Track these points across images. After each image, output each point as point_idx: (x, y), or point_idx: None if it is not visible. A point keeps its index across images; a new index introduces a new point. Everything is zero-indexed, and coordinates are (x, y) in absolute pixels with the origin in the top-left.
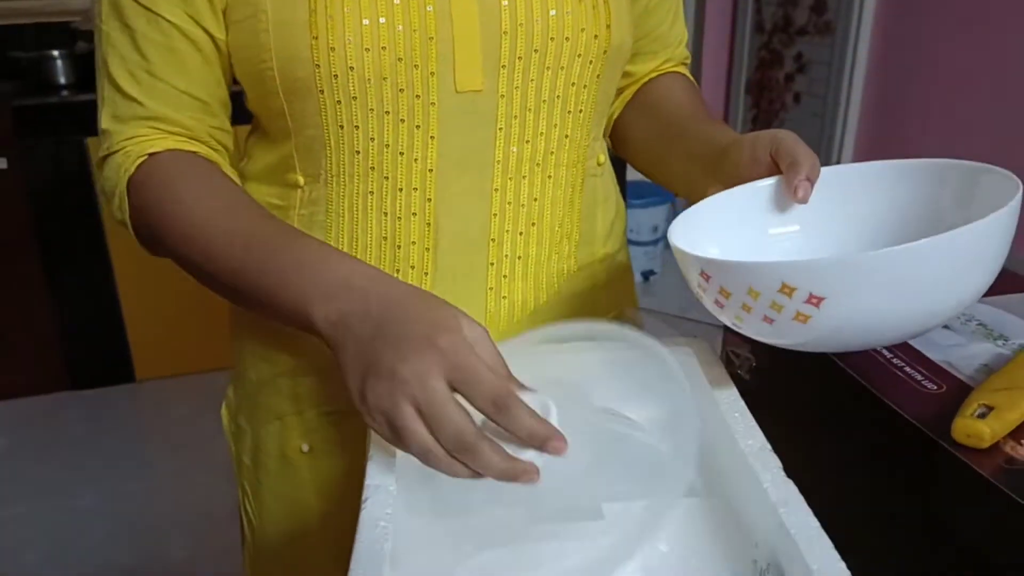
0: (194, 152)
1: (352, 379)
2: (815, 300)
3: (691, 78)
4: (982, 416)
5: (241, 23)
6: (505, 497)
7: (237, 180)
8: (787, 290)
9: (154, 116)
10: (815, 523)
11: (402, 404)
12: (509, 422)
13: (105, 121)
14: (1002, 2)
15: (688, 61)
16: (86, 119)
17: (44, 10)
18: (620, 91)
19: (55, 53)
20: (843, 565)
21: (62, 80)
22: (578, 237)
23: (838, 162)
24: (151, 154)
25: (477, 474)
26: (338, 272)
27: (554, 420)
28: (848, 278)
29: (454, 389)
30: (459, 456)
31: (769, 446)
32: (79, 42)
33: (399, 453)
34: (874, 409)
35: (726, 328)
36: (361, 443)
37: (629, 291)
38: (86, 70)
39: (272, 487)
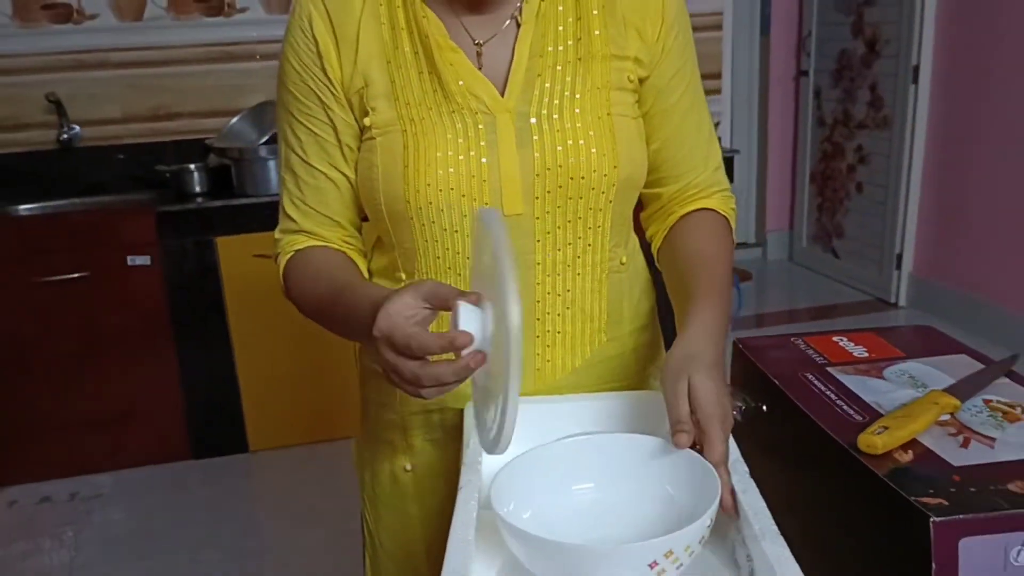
0: (324, 246)
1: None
2: None
3: (721, 212)
4: (879, 433)
5: (363, 173)
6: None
7: (358, 261)
8: None
9: (303, 230)
10: (762, 504)
11: (379, 355)
12: (418, 349)
13: (277, 233)
14: None
15: (722, 188)
16: (217, 222)
17: (182, 129)
18: (655, 212)
19: (192, 166)
20: (776, 528)
21: (197, 189)
22: (606, 317)
23: (902, 250)
24: (297, 250)
25: (428, 393)
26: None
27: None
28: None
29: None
30: (406, 380)
31: (741, 457)
32: (211, 156)
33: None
34: (815, 433)
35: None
36: (452, 465)
37: (656, 355)
38: (217, 180)
39: (384, 499)
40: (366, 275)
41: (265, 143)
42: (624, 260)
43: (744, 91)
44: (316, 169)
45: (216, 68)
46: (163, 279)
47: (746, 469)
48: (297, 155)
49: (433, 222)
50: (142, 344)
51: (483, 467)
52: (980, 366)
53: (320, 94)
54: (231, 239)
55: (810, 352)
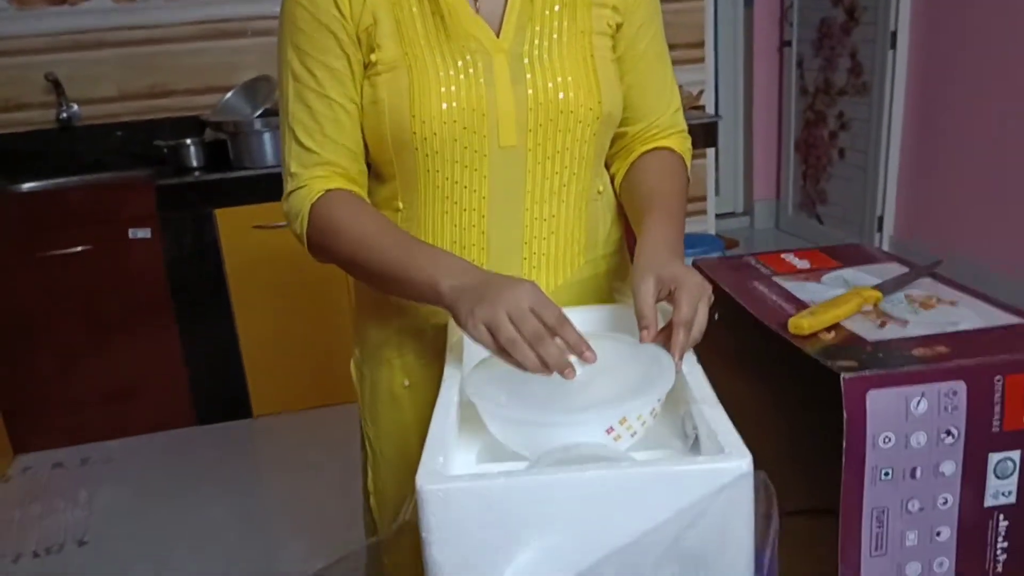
0: (353, 191)
1: (464, 313)
2: None
3: (678, 151)
4: (804, 315)
5: (369, 107)
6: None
7: (366, 196)
8: None
9: (327, 161)
10: (706, 381)
11: (500, 313)
12: (565, 333)
13: (293, 167)
14: (1017, 61)
15: (680, 129)
16: (215, 195)
17: (177, 106)
18: (619, 150)
19: (188, 141)
20: (715, 397)
21: (194, 163)
22: (584, 241)
23: (883, 213)
24: (328, 190)
25: (540, 364)
26: (457, 262)
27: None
28: None
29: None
30: (534, 345)
31: (691, 349)
32: (207, 131)
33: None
34: (756, 327)
35: None
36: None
37: (624, 277)
38: (214, 154)
39: (384, 414)
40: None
41: (260, 116)
42: (601, 189)
43: (730, 61)
44: (334, 101)
45: (209, 45)
46: (164, 251)
47: (695, 357)
48: (313, 90)
49: (437, 152)
50: (145, 314)
51: (464, 366)
52: None
53: (333, 29)
54: (230, 211)
55: (760, 267)
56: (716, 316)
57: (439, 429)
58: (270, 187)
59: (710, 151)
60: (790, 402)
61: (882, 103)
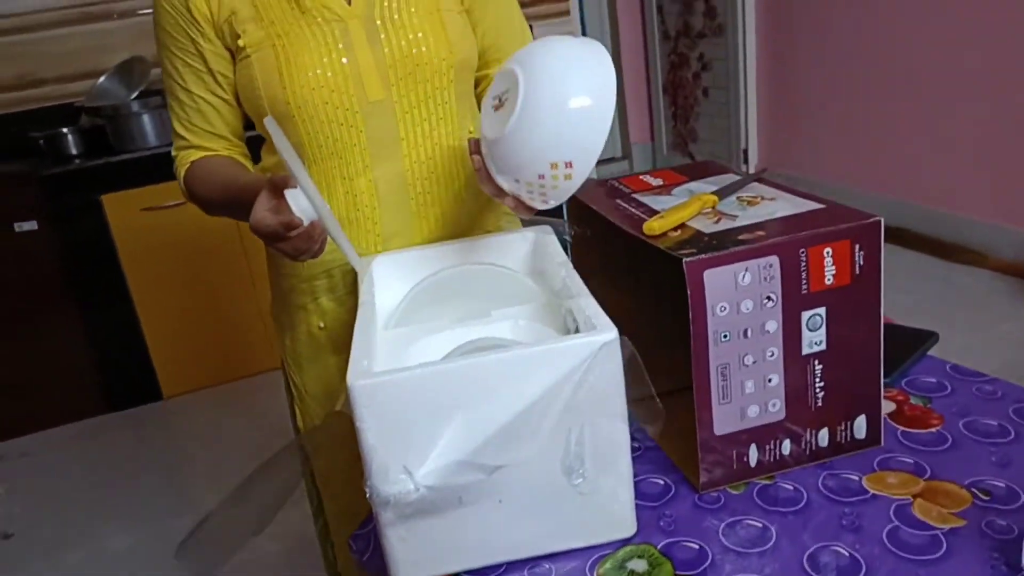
0: (215, 154)
1: None
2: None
3: None
4: (656, 219)
5: (245, 86)
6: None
7: (243, 161)
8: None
9: (193, 145)
10: (580, 281)
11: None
12: (274, 234)
13: (172, 151)
14: None
15: None
16: (100, 181)
17: (49, 95)
18: (483, 89)
19: (65, 130)
20: (587, 290)
21: (74, 151)
22: (464, 178)
23: (747, 146)
24: (192, 162)
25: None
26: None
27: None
28: None
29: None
30: (289, 251)
31: (570, 263)
32: (83, 117)
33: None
34: (620, 235)
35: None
36: (355, 316)
37: (505, 211)
38: (93, 140)
39: (306, 355)
40: (251, 169)
41: (137, 98)
42: (472, 130)
43: (595, 11)
44: (195, 94)
45: (76, 31)
46: (54, 242)
47: (577, 277)
48: (178, 84)
49: (312, 116)
50: (43, 306)
51: (376, 294)
52: None
53: (189, 31)
54: (117, 196)
55: (621, 187)
56: (588, 232)
57: (362, 338)
58: (154, 169)
59: None
60: (650, 295)
61: (736, 42)
